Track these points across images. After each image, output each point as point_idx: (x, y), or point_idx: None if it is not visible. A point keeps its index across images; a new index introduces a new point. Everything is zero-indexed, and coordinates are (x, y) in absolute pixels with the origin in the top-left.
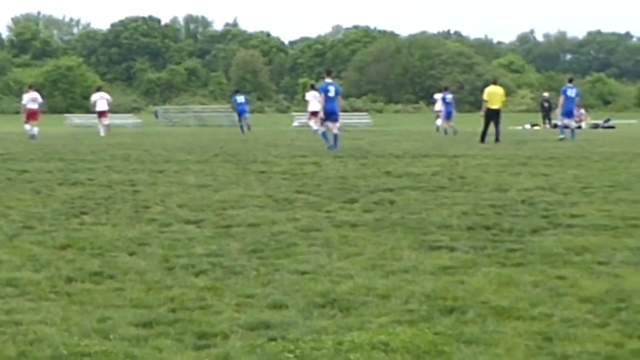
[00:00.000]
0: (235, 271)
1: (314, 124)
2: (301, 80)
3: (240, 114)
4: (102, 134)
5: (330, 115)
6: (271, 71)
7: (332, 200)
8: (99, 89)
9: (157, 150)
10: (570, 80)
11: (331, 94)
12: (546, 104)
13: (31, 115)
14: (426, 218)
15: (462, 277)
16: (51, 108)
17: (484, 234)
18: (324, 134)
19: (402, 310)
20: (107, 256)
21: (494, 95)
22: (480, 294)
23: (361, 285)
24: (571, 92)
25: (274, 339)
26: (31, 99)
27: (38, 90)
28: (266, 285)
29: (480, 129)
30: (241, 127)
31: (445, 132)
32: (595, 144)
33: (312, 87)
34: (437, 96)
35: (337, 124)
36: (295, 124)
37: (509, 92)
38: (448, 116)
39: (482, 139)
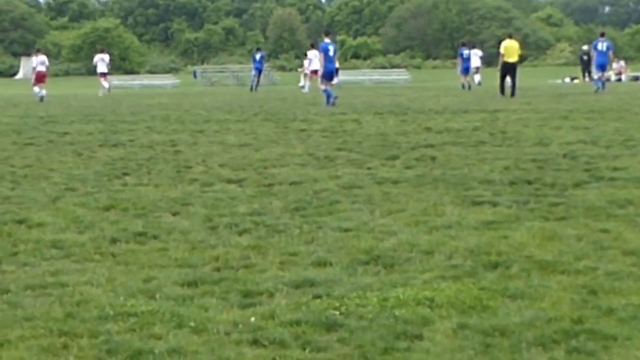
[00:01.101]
0: (279, 229)
1: (307, 85)
2: (339, 38)
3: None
4: (99, 94)
5: (331, 74)
6: (308, 29)
7: (373, 157)
8: (101, 51)
9: (196, 110)
10: (602, 35)
11: (331, 53)
12: (585, 57)
13: (40, 78)
14: (468, 173)
15: (506, 232)
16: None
17: (526, 189)
18: (326, 91)
19: (446, 266)
20: (150, 216)
21: (510, 49)
22: (524, 248)
23: (404, 241)
24: (602, 46)
25: (318, 297)
26: (40, 62)
27: (46, 54)
28: (310, 243)
29: (497, 82)
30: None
31: (469, 87)
32: (635, 96)
33: (312, 46)
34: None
35: (336, 80)
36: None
37: (547, 46)
38: (465, 71)
39: (502, 91)
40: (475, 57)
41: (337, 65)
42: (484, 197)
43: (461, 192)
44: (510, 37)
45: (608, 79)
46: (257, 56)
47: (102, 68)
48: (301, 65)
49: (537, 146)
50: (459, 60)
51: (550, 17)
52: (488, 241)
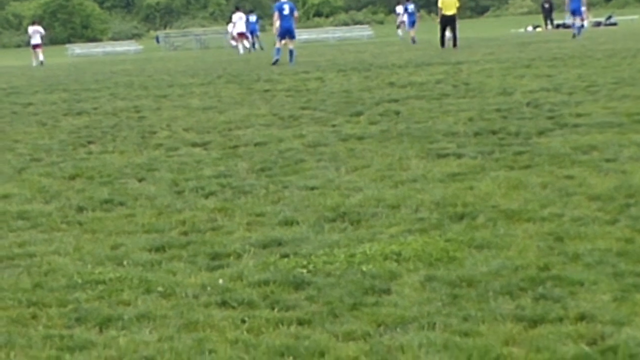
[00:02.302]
0: (245, 191)
1: (241, 47)
2: None
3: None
4: (34, 64)
5: (286, 32)
6: None
7: (338, 115)
8: (33, 23)
9: (160, 76)
10: None
11: (286, 12)
12: (547, 5)
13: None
14: (432, 126)
15: (471, 182)
16: (52, 40)
17: (490, 139)
18: (278, 50)
19: (412, 220)
20: (116, 183)
21: (447, 2)
22: (489, 198)
23: (370, 197)
24: None
25: (286, 256)
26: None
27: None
28: (276, 203)
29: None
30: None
31: (413, 41)
32: (597, 42)
33: (237, 9)
34: (399, 8)
35: (294, 41)
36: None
37: None
38: (412, 25)
39: (442, 44)
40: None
41: (294, 24)
42: (448, 149)
43: (426, 145)
44: None
45: (582, 25)
46: (253, 18)
47: (35, 40)
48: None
49: (501, 96)
50: (405, 16)
51: None
52: (454, 193)
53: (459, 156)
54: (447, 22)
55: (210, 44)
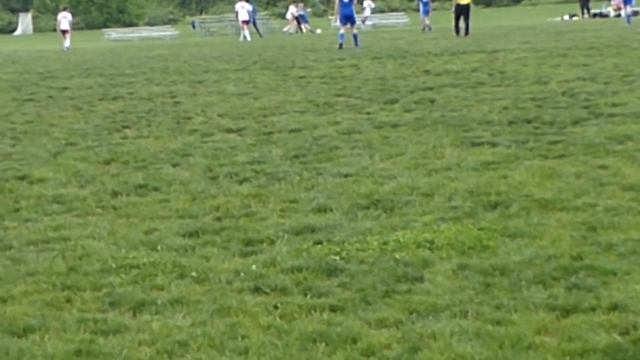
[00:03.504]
0: (279, 177)
1: (247, 34)
2: None
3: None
4: (65, 46)
5: (347, 18)
6: None
7: (372, 102)
8: (64, 9)
9: (195, 61)
10: None
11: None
12: None
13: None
14: (467, 115)
15: (505, 171)
16: (88, 24)
17: (525, 128)
18: (342, 35)
19: (445, 208)
20: (151, 169)
21: None
22: (523, 187)
23: (404, 185)
24: None
25: (319, 242)
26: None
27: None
28: (310, 190)
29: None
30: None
31: (430, 29)
32: (634, 32)
33: None
34: None
35: (355, 26)
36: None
37: None
38: (426, 14)
39: (457, 32)
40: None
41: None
42: (483, 137)
43: (460, 133)
44: None
45: (619, 14)
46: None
47: (64, 26)
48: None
49: (536, 85)
50: (420, 4)
51: None
52: (487, 181)
53: (494, 145)
54: (461, 11)
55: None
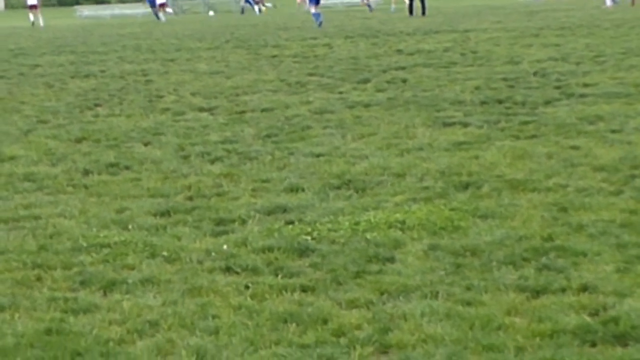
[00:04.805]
0: (251, 157)
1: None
2: None
3: None
4: (31, 21)
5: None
6: None
7: (345, 82)
8: None
9: (168, 39)
10: None
11: None
12: None
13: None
14: (439, 95)
15: (477, 152)
16: (60, 1)
17: (497, 108)
18: (317, 15)
19: (417, 188)
20: (122, 147)
21: None
22: (494, 168)
23: (376, 165)
24: None
25: (291, 222)
26: None
27: None
28: (282, 170)
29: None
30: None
31: (370, 8)
32: (606, 12)
33: None
34: None
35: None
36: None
37: None
38: None
39: (410, 12)
40: None
41: None
42: (455, 118)
43: (432, 113)
44: None
45: None
46: None
47: (31, 1)
48: None
49: (508, 65)
50: None
51: None
52: (459, 162)
53: (465, 125)
54: None
55: (218, 8)
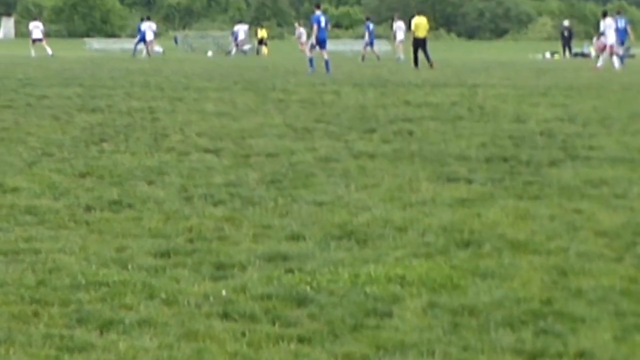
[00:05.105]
0: (254, 201)
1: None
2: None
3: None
4: (32, 54)
5: (322, 42)
6: None
7: (351, 130)
8: (34, 19)
9: (176, 77)
10: (619, 12)
11: (322, 24)
12: (566, 33)
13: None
14: (444, 149)
15: (479, 209)
16: (70, 32)
17: (501, 166)
18: (311, 60)
19: (418, 243)
20: (126, 185)
21: (420, 25)
22: (496, 227)
23: (378, 217)
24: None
25: (290, 271)
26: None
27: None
28: (284, 216)
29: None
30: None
31: (363, 59)
32: (614, 74)
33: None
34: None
35: (326, 51)
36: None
37: (529, 20)
38: (372, 44)
39: (416, 64)
40: (400, 30)
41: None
42: (459, 173)
43: (437, 168)
44: (420, 14)
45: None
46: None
47: (36, 35)
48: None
49: (515, 122)
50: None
51: None
52: (461, 219)
53: (469, 181)
54: (419, 44)
55: (228, 47)
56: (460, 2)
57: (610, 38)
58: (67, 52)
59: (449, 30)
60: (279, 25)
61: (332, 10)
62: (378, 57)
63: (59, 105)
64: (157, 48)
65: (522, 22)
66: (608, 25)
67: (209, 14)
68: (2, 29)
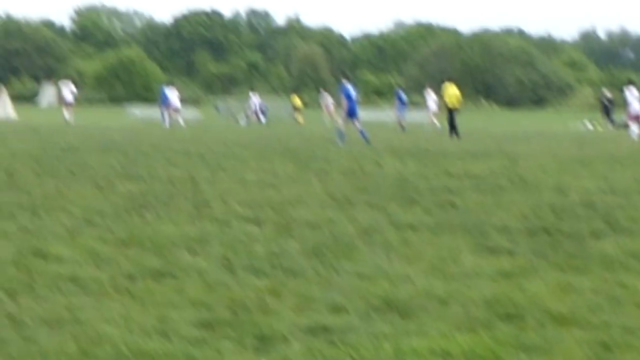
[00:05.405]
0: (295, 272)
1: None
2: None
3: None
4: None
5: (353, 113)
6: (332, 66)
7: (392, 200)
8: (66, 80)
9: (217, 146)
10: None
11: (353, 94)
12: (607, 102)
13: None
14: (486, 220)
15: (522, 282)
16: (112, 99)
17: (543, 238)
18: (341, 133)
19: (461, 316)
20: (167, 254)
21: (450, 93)
22: (539, 300)
23: (421, 289)
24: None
25: (333, 343)
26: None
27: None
28: (326, 288)
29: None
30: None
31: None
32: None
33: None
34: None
35: (358, 121)
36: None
37: (570, 89)
38: (402, 112)
39: (451, 133)
40: (431, 99)
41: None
42: (501, 245)
43: (479, 239)
44: (450, 80)
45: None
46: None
47: (68, 97)
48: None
49: (556, 193)
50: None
51: (574, 60)
52: (504, 291)
53: (511, 253)
54: (451, 112)
55: (268, 115)
56: (500, 71)
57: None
58: (109, 119)
59: (489, 99)
60: (320, 93)
61: (372, 78)
62: (403, 128)
63: (100, 172)
64: (179, 118)
65: (562, 91)
66: (633, 95)
67: (249, 82)
68: (43, 95)
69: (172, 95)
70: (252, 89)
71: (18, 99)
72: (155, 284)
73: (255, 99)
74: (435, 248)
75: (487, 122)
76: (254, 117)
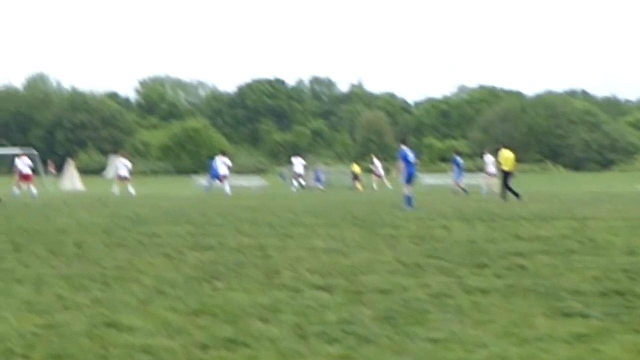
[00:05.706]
0: (368, 339)
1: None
2: (426, 141)
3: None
4: (116, 192)
5: (411, 178)
6: (396, 132)
7: (462, 265)
8: (120, 154)
9: (284, 213)
10: None
11: (410, 158)
12: None
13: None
14: (558, 283)
15: (597, 345)
16: (178, 169)
17: (616, 300)
18: (409, 198)
19: None
20: (240, 322)
21: (506, 159)
22: None
23: (495, 354)
24: None
25: None
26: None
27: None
28: (399, 354)
29: (506, 190)
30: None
31: (465, 191)
32: None
33: (223, 153)
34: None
35: (412, 187)
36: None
37: (636, 150)
38: (459, 177)
39: (516, 195)
40: (490, 164)
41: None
42: (574, 308)
43: (551, 302)
44: (505, 147)
45: None
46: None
47: (123, 172)
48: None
49: (627, 255)
50: (454, 167)
51: (639, 120)
52: (579, 355)
53: (585, 316)
54: (506, 176)
55: (334, 182)
56: (566, 134)
57: None
58: (176, 190)
59: (555, 162)
60: (385, 160)
61: (437, 143)
62: (453, 193)
63: (170, 243)
64: (227, 188)
65: (628, 152)
66: None
67: (314, 149)
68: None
69: (220, 164)
70: (296, 155)
71: (85, 172)
72: (229, 353)
73: (298, 164)
74: (508, 312)
75: (554, 184)
76: (296, 182)
